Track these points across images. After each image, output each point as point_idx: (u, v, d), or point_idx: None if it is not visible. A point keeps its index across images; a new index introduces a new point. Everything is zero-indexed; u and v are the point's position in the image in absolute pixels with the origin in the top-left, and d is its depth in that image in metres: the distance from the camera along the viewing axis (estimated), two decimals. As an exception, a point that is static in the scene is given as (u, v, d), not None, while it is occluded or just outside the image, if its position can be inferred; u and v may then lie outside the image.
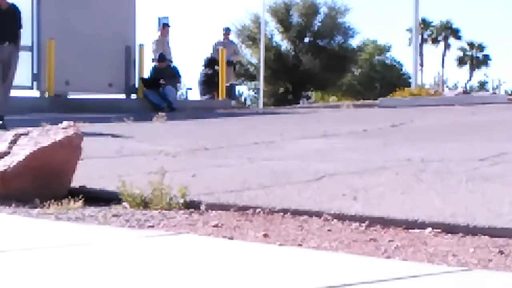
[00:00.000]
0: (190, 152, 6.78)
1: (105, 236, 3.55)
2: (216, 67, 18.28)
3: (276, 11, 35.93)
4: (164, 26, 18.14)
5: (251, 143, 7.40)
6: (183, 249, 3.21)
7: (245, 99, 44.32)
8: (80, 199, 4.38)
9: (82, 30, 15.30)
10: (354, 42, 38.35)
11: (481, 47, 61.93)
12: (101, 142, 7.59)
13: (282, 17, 36.15)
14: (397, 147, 6.62)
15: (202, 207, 4.11)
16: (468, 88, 52.39)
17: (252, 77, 37.50)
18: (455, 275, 2.68)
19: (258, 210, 3.95)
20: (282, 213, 3.87)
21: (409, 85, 20.91)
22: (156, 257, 2.99)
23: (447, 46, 60.95)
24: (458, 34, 60.98)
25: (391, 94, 17.21)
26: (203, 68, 19.10)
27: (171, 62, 17.62)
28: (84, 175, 4.91)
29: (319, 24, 36.26)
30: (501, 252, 3.02)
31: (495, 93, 30.17)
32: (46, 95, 15.14)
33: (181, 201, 4.17)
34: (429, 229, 3.42)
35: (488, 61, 62.31)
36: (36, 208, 4.32)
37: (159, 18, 19.62)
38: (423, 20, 53.36)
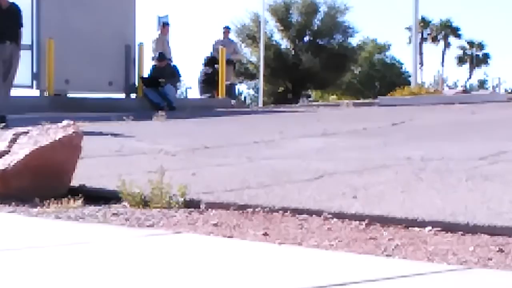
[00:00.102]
0: (190, 151, 6.78)
1: (105, 235, 3.55)
2: (216, 66, 18.27)
3: (276, 10, 35.96)
4: (164, 25, 18.13)
5: (251, 142, 7.40)
6: (183, 248, 3.21)
7: (245, 98, 44.33)
8: (80, 198, 4.38)
9: (82, 29, 15.29)
10: (354, 41, 38.43)
11: (481, 46, 61.91)
12: (101, 141, 7.59)
13: (282, 16, 36.17)
14: (397, 146, 6.62)
15: (202, 206, 4.11)
16: (468, 86, 52.41)
17: (252, 76, 37.52)
18: (455, 273, 2.69)
19: (258, 209, 3.95)
20: (282, 212, 3.87)
21: (409, 83, 20.91)
22: (156, 256, 3.00)
23: (447, 45, 60.92)
24: (458, 32, 60.94)
25: (391, 93, 17.22)
26: (203, 67, 19.10)
27: (171, 61, 17.61)
28: (84, 174, 4.91)
29: (319, 23, 36.29)
30: (501, 251, 3.02)
31: (495, 92, 30.17)
32: (46, 94, 15.13)
33: (181, 200, 4.17)
34: (429, 227, 3.42)
35: (488, 60, 62.30)
36: (36, 207, 4.32)
37: (158, 17, 19.61)
38: (423, 19, 53.33)
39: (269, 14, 34.89)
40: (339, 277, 2.59)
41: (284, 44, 37.17)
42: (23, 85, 14.24)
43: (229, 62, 18.78)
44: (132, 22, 16.85)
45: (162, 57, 16.85)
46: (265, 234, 3.44)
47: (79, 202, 4.34)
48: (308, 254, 3.04)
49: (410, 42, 39.15)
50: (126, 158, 6.34)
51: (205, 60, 19.09)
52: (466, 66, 62.41)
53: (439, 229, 3.40)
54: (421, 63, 52.03)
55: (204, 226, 3.68)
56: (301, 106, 19.05)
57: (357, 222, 3.61)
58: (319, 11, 36.28)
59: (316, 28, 36.30)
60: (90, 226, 3.79)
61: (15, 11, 10.55)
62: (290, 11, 36.43)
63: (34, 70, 15.01)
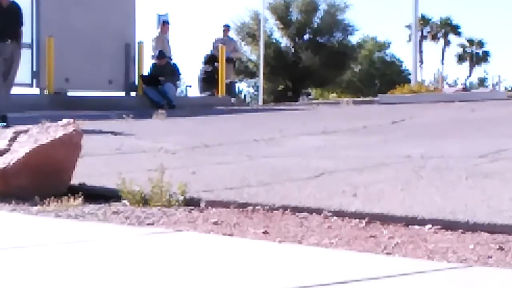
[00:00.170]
0: (189, 149, 6.78)
1: (105, 233, 3.55)
2: (215, 64, 18.27)
3: (276, 8, 35.94)
4: (164, 23, 18.12)
5: (250, 140, 7.40)
6: (183, 246, 3.22)
7: (244, 96, 44.29)
8: (80, 197, 4.38)
9: (81, 27, 15.29)
10: (354, 39, 38.42)
11: (481, 44, 61.89)
12: (100, 140, 7.59)
13: (282, 14, 36.16)
14: (397, 144, 6.62)
15: (202, 204, 4.11)
16: (467, 84, 52.36)
17: (252, 74, 37.51)
18: (455, 271, 2.69)
19: (258, 207, 3.95)
20: (282, 210, 3.87)
21: (408, 81, 20.91)
22: (156, 254, 3.00)
23: (446, 43, 60.90)
24: (458, 30, 60.92)
25: (390, 91, 17.21)
26: (203, 65, 19.10)
27: (171, 59, 17.61)
28: (84, 173, 4.91)
29: (319, 21, 36.27)
30: (501, 249, 3.02)
31: (495, 90, 30.16)
32: (46, 92, 15.14)
33: (181, 198, 4.17)
34: (429, 225, 3.42)
35: (488, 58, 62.29)
36: (36, 205, 4.32)
37: (158, 15, 19.61)
38: (423, 17, 53.31)
39: (269, 12, 34.87)
40: (339, 275, 2.59)
41: (284, 42, 37.17)
42: (23, 83, 14.25)
43: (229, 60, 18.77)
44: (132, 20, 16.86)
45: (162, 55, 16.85)
46: (265, 232, 3.44)
47: (79, 200, 4.34)
48: (308, 252, 3.04)
49: (410, 40, 39.16)
50: (126, 156, 6.34)
51: (205, 58, 19.09)
52: (466, 64, 62.40)
53: (439, 227, 3.40)
54: (421, 61, 52.06)
55: (204, 224, 3.68)
56: (301, 104, 19.06)
57: (357, 220, 3.61)
58: (319, 9, 36.27)
59: (316, 26, 36.28)
60: (90, 224, 3.79)
61: (15, 10, 10.54)
62: (290, 9, 36.42)
63: (34, 68, 15.02)
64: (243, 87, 44.08)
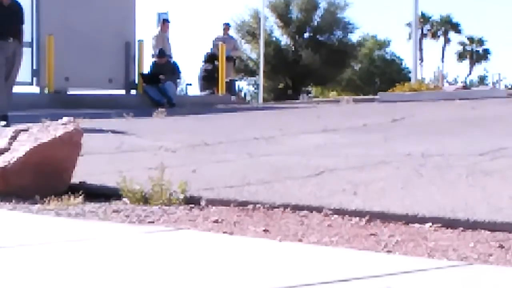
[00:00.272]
0: (190, 147, 6.78)
1: (106, 232, 3.55)
2: (216, 63, 18.26)
3: (276, 6, 35.94)
4: (164, 22, 18.12)
5: (251, 139, 7.40)
6: (183, 244, 3.22)
7: (245, 95, 44.23)
8: (80, 195, 4.38)
9: (81, 26, 15.29)
10: (354, 37, 38.40)
11: (481, 42, 61.86)
12: (101, 138, 7.59)
13: (282, 12, 36.16)
14: (397, 142, 6.62)
15: (202, 203, 4.11)
16: (468, 82, 52.37)
17: (252, 73, 37.51)
18: (455, 269, 2.69)
19: (258, 205, 3.95)
20: (282, 208, 3.87)
21: (409, 79, 20.90)
22: (156, 253, 3.00)
23: (447, 41, 60.88)
24: (458, 28, 60.91)
25: (391, 89, 17.19)
26: (203, 63, 19.09)
27: (171, 57, 17.60)
28: (84, 171, 4.91)
29: (319, 19, 36.29)
30: (501, 247, 3.02)
31: (495, 88, 30.15)
32: (46, 91, 15.14)
33: (181, 196, 4.17)
34: (430, 223, 3.42)
35: (488, 56, 62.26)
36: (36, 204, 4.32)
37: (158, 14, 19.60)
38: (423, 15, 53.28)
39: (269, 10, 34.87)
40: (339, 273, 2.59)
41: (284, 40, 37.19)
42: (23, 82, 14.23)
43: (229, 58, 18.77)
44: (132, 19, 16.85)
45: (162, 53, 16.84)
46: (266, 231, 3.44)
47: (80, 199, 4.34)
48: (309, 251, 3.04)
49: (410, 38, 39.17)
50: (126, 155, 6.34)
51: (205, 56, 19.08)
52: (466, 62, 62.38)
53: (439, 225, 3.40)
54: (421, 59, 52.01)
55: (205, 223, 3.68)
56: (301, 103, 19.06)
57: (358, 218, 3.61)
58: (319, 8, 36.29)
59: (316, 24, 36.29)
60: (91, 223, 3.79)
61: (17, 8, 10.53)
62: (290, 8, 36.42)
63: (34, 67, 15.01)
64: (243, 85, 44.06)
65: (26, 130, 4.88)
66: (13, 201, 4.42)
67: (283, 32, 36.95)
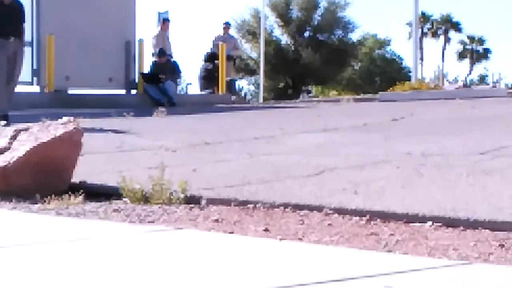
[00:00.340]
0: (190, 147, 6.78)
1: (106, 231, 3.55)
2: (216, 62, 18.25)
3: (276, 5, 35.92)
4: (164, 21, 18.11)
5: (251, 138, 7.40)
6: (184, 244, 3.22)
7: (245, 94, 44.30)
8: (81, 195, 4.38)
9: (82, 25, 15.28)
10: (354, 36, 38.36)
11: (481, 41, 61.87)
12: (101, 137, 7.59)
13: (282, 12, 36.15)
14: (398, 141, 6.62)
15: (203, 202, 4.11)
16: (468, 82, 52.38)
17: (252, 72, 37.50)
18: (455, 268, 2.69)
19: (258, 204, 3.95)
20: (282, 208, 3.87)
21: (409, 79, 20.90)
22: (157, 252, 3.00)
23: (447, 40, 60.89)
24: (459, 27, 60.91)
25: (391, 88, 17.19)
26: (203, 63, 19.09)
27: (171, 57, 17.60)
28: (84, 171, 4.91)
29: (319, 18, 36.26)
30: (501, 246, 3.02)
31: (495, 87, 30.18)
32: (46, 90, 15.13)
33: (182, 196, 4.17)
34: (430, 223, 3.42)
35: (488, 55, 62.27)
36: (36, 203, 4.32)
37: (159, 13, 19.60)
38: (423, 14, 53.29)
39: (269, 9, 34.86)
40: (340, 272, 2.59)
41: (284, 39, 37.16)
42: (23, 81, 14.22)
43: (229, 58, 18.76)
44: (132, 18, 16.84)
45: (163, 53, 16.84)
46: (266, 230, 3.44)
47: (80, 198, 4.34)
48: (309, 250, 3.04)
49: (410, 37, 39.17)
50: (126, 154, 6.34)
51: (205, 56, 19.08)
52: (467, 61, 62.39)
53: (440, 224, 3.40)
54: (421, 58, 52.01)
55: (205, 222, 3.68)
56: (302, 102, 19.05)
57: (358, 217, 3.61)
58: (319, 7, 36.27)
59: (316, 23, 36.27)
60: (91, 222, 3.79)
61: (17, 7, 10.52)
62: (290, 7, 36.40)
63: (34, 66, 15.01)
64: (244, 85, 44.13)
65: (26, 130, 4.88)
66: (14, 200, 4.42)
67: (283, 31, 36.94)
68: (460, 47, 62.25)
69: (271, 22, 36.49)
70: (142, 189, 4.26)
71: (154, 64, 16.97)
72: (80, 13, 15.34)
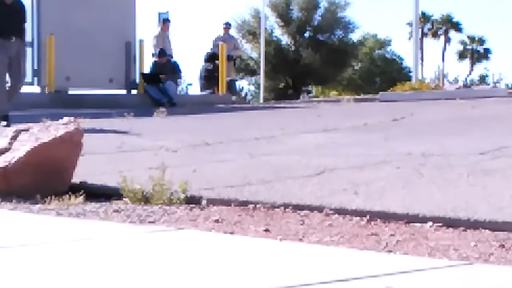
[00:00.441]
0: (190, 147, 6.78)
1: (106, 231, 3.55)
2: (216, 62, 18.25)
3: (276, 5, 35.90)
4: (165, 21, 18.12)
5: (251, 138, 7.40)
6: (184, 244, 3.22)
7: (245, 94, 44.29)
8: (81, 195, 4.38)
9: (82, 25, 15.28)
10: (355, 37, 38.32)
11: (481, 41, 61.85)
12: (101, 138, 7.60)
13: (282, 12, 36.12)
14: (398, 141, 6.62)
15: (203, 202, 4.11)
16: (468, 82, 52.36)
17: (253, 72, 37.47)
18: (456, 269, 2.69)
19: (259, 205, 3.95)
20: (283, 208, 3.88)
21: (409, 79, 20.90)
22: (157, 253, 3.00)
23: (447, 40, 60.88)
24: (459, 27, 60.90)
25: (391, 89, 17.19)
26: (204, 63, 19.09)
27: (172, 57, 17.60)
28: (85, 171, 4.91)
29: (319, 18, 36.23)
30: (502, 246, 3.02)
31: (496, 87, 30.18)
32: (47, 91, 15.13)
33: (182, 196, 4.17)
34: (430, 223, 3.42)
35: (489, 55, 62.25)
36: (37, 204, 4.32)
37: (159, 13, 19.60)
38: (423, 14, 53.28)
39: (269, 10, 34.83)
40: (340, 273, 2.59)
41: (285, 40, 37.13)
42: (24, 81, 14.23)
43: (229, 58, 18.76)
44: (132, 18, 16.84)
45: (163, 53, 16.84)
46: (266, 230, 3.44)
47: (80, 198, 4.34)
48: (310, 250, 3.04)
49: (410, 38, 39.15)
50: (127, 155, 6.34)
51: (205, 56, 19.07)
52: (467, 61, 62.38)
53: (440, 224, 3.40)
54: (422, 59, 52.01)
55: (205, 223, 3.68)
56: (302, 102, 19.04)
57: (358, 218, 3.61)
58: (320, 7, 36.23)
59: (316, 23, 36.24)
60: (92, 222, 3.79)
61: (19, 7, 10.51)
62: (291, 7, 36.37)
63: (35, 66, 15.01)
64: (244, 85, 44.07)
65: (27, 130, 4.88)
66: (14, 201, 4.42)
67: (283, 31, 36.91)
68: (461, 47, 62.26)
69: (272, 22, 36.48)
70: (142, 190, 4.26)
71: (155, 64, 16.97)
72: (81, 14, 15.35)
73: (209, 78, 18.64)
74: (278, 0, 35.97)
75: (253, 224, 3.60)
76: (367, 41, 49.02)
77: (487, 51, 62.15)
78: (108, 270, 2.69)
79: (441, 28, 60.36)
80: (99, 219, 3.89)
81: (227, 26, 20.27)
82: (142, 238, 3.36)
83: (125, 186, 4.31)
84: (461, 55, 62.34)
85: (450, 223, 3.39)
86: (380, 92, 16.95)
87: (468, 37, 61.82)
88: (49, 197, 4.37)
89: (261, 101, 24.63)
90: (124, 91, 16.73)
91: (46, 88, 15.11)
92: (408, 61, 49.15)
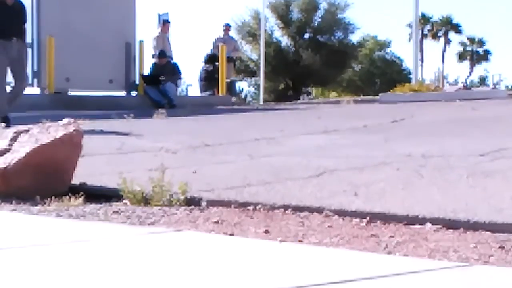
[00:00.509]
0: (190, 148, 6.78)
1: (106, 233, 3.55)
2: (216, 63, 18.27)
3: (276, 7, 35.91)
4: (164, 23, 18.13)
5: (251, 139, 7.40)
6: (184, 245, 3.22)
7: (245, 96, 44.33)
8: (81, 196, 4.38)
9: (82, 27, 15.30)
10: (354, 38, 38.37)
11: (481, 42, 61.90)
12: (101, 139, 7.60)
13: (282, 13, 36.13)
14: (398, 143, 6.62)
15: (203, 204, 4.11)
16: (468, 83, 52.36)
17: (252, 73, 37.49)
18: (456, 270, 2.69)
19: (258, 206, 3.95)
20: (283, 209, 3.87)
21: (409, 80, 20.92)
22: (157, 254, 3.00)
23: (447, 41, 60.92)
24: (459, 29, 60.94)
25: (391, 90, 17.20)
26: (203, 64, 19.10)
27: (171, 58, 17.61)
28: (84, 172, 4.91)
29: (319, 20, 36.25)
30: (502, 248, 3.02)
31: (496, 88, 30.19)
32: (47, 92, 15.14)
33: (182, 197, 4.17)
34: (430, 224, 3.42)
35: (489, 56, 62.31)
36: (36, 205, 4.32)
37: (159, 15, 19.62)
38: (423, 15, 53.34)
39: (269, 11, 34.85)
40: (340, 274, 2.59)
41: (285, 41, 37.14)
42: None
43: (229, 59, 18.78)
44: (132, 19, 16.86)
45: (163, 54, 16.85)
46: (266, 232, 3.44)
47: (80, 200, 4.34)
48: (309, 252, 3.04)
49: (410, 39, 39.16)
50: (126, 156, 6.34)
51: (205, 57, 19.09)
52: (467, 62, 62.43)
53: (440, 226, 3.40)
54: (422, 60, 52.08)
55: (205, 224, 3.68)
56: (302, 103, 19.05)
57: (358, 219, 3.61)
58: (319, 8, 36.24)
59: (316, 25, 36.25)
60: (91, 224, 3.79)
61: (20, 8, 10.52)
62: (290, 8, 36.39)
63: (35, 68, 15.02)
64: (244, 86, 44.12)
65: (27, 131, 4.88)
66: (14, 202, 4.42)
67: (283, 32, 36.92)
68: (460, 49, 62.32)
69: (271, 24, 36.50)
70: (142, 191, 4.26)
71: (154, 65, 16.98)
72: (80, 15, 15.36)
73: (209, 79, 18.66)
74: (278, 1, 35.99)
75: (253, 225, 3.60)
76: (367, 43, 49.09)
77: (487, 52, 62.22)
78: (108, 271, 2.69)
79: (441, 30, 60.41)
80: (98, 220, 3.89)
81: (227, 27, 20.28)
82: (141, 239, 3.36)
83: (125, 187, 4.31)
84: (461, 57, 62.39)
85: (450, 224, 3.39)
86: (380, 94, 16.96)
87: (468, 38, 61.90)
88: (49, 198, 4.37)
89: (261, 102, 24.64)
90: (124, 93, 16.75)
91: (46, 89, 15.12)
92: (408, 63, 49.23)
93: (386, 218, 3.56)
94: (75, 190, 4.53)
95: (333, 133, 7.87)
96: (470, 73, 61.82)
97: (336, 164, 5.19)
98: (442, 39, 60.74)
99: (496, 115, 9.62)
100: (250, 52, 37.09)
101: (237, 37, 30.54)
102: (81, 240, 3.34)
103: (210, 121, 11.06)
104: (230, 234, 3.42)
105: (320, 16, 36.27)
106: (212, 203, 4.10)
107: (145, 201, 4.23)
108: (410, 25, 44.16)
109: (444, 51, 60.68)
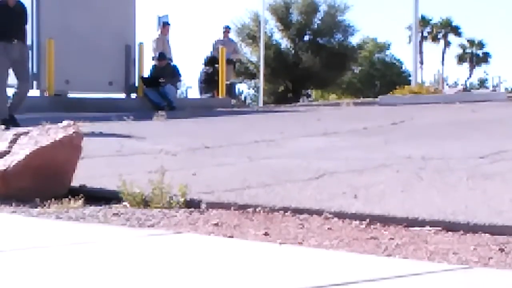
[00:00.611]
0: (190, 150, 6.78)
1: (106, 235, 3.55)
2: (216, 66, 18.27)
3: (276, 9, 35.93)
4: (164, 25, 18.13)
5: (251, 142, 7.40)
6: (183, 248, 3.22)
7: (245, 98, 44.30)
8: (81, 198, 4.38)
9: (81, 29, 15.29)
10: (354, 40, 38.39)
11: (481, 45, 61.91)
12: (101, 141, 7.60)
13: (282, 15, 36.15)
14: (397, 145, 6.62)
15: (203, 206, 4.11)
16: (468, 85, 52.41)
17: (252, 76, 37.50)
18: (455, 273, 2.69)
19: (258, 208, 3.95)
20: (282, 212, 3.87)
21: (409, 82, 20.93)
22: (156, 256, 3.00)
23: (447, 44, 60.93)
24: (458, 31, 60.96)
25: (391, 92, 17.22)
26: (203, 66, 19.10)
27: (171, 60, 17.61)
28: (84, 174, 4.91)
29: (319, 22, 36.27)
30: (501, 250, 3.02)
31: (495, 91, 30.19)
32: (46, 94, 15.13)
33: (182, 200, 4.17)
34: (430, 227, 3.42)
35: (488, 59, 62.30)
36: (36, 207, 4.32)
37: (159, 17, 19.63)
38: (423, 18, 53.34)
39: (269, 13, 34.87)
40: (340, 276, 2.59)
41: (284, 43, 37.16)
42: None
43: (229, 61, 18.78)
44: (132, 22, 16.85)
45: (162, 57, 16.85)
46: (266, 234, 3.44)
47: (80, 202, 4.34)
48: (309, 254, 3.04)
49: (410, 41, 39.20)
50: (126, 158, 6.34)
51: (205, 59, 19.10)
52: (466, 65, 62.43)
53: (439, 228, 3.39)
54: (421, 62, 52.08)
55: (205, 226, 3.68)
56: (302, 106, 19.05)
57: (358, 221, 3.61)
58: (319, 10, 36.26)
59: (316, 27, 36.27)
60: (91, 226, 3.79)
61: (21, 9, 10.53)
62: (290, 11, 36.40)
63: (34, 70, 14.99)
64: (244, 88, 44.09)
65: (27, 133, 4.88)
66: (13, 204, 4.42)
67: (283, 35, 36.94)
68: (460, 51, 62.31)
69: (271, 26, 36.51)
70: (142, 193, 4.26)
71: (154, 67, 16.98)
72: (80, 17, 15.35)
73: (209, 81, 18.66)
74: (277, 3, 36.02)
75: (253, 227, 3.59)
76: (366, 45, 49.09)
77: (486, 54, 62.22)
78: (107, 273, 2.69)
79: (440, 32, 60.41)
80: (98, 222, 3.89)
81: (227, 29, 20.29)
82: (141, 241, 3.36)
83: (124, 189, 4.31)
84: (461, 59, 62.39)
85: (449, 226, 3.39)
86: (380, 96, 16.97)
87: (467, 40, 61.90)
88: (48, 201, 4.37)
89: (261, 104, 24.66)
90: (123, 95, 16.73)
91: (46, 91, 15.11)
92: (408, 65, 49.30)
93: (386, 220, 3.56)
94: (74, 192, 4.53)
95: (333, 135, 7.87)
96: (469, 76, 61.85)
97: (336, 166, 5.19)
98: (441, 41, 60.76)
99: (495, 117, 9.63)
100: (250, 54, 37.11)
101: (237, 39, 30.55)
102: (81, 242, 3.34)
103: (210, 123, 11.07)
104: (230, 236, 3.41)
105: (319, 18, 36.30)
106: (211, 205, 4.10)
107: (145, 203, 4.23)
108: (410, 28, 44.16)
109: (443, 53, 60.71)
